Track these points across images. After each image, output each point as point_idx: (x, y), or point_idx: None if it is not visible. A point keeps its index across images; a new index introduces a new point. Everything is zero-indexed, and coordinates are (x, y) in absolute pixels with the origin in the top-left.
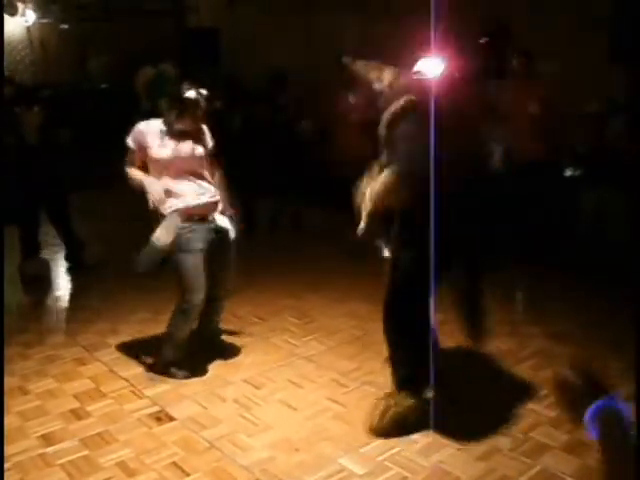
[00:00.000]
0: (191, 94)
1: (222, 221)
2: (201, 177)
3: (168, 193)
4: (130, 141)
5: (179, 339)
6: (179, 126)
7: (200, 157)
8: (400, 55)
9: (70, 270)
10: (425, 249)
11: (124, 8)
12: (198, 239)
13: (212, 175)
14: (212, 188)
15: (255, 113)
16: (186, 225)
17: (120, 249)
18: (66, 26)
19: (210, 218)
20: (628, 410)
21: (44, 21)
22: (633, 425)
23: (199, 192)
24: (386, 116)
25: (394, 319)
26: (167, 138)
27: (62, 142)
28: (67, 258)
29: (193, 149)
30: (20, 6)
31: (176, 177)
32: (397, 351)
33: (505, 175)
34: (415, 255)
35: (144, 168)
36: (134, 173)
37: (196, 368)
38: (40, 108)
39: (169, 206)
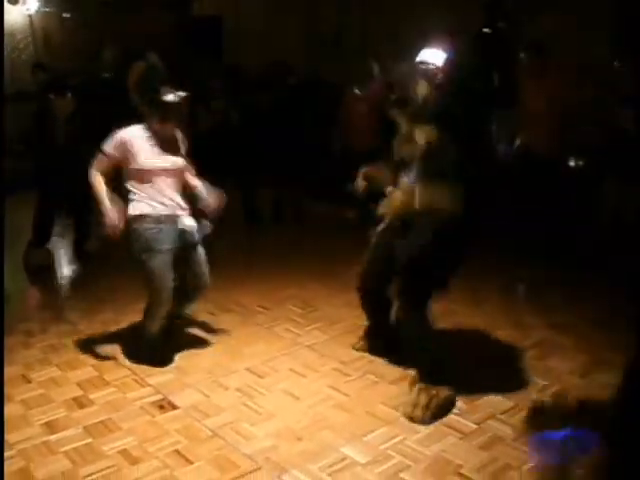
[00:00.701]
0: (170, 97)
1: (188, 221)
2: (176, 187)
3: (140, 197)
4: (109, 148)
5: (151, 334)
6: (161, 131)
7: (180, 169)
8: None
9: (74, 259)
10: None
11: None
12: (164, 240)
13: (187, 184)
14: (181, 201)
15: (256, 103)
16: (152, 226)
17: (124, 239)
18: (68, 15)
19: (176, 220)
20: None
21: (46, 10)
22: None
23: (168, 201)
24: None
25: (419, 313)
26: (154, 148)
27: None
28: (72, 247)
29: (175, 161)
30: None
31: (152, 185)
32: (426, 342)
33: (518, 171)
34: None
35: (109, 174)
36: (99, 185)
37: (197, 356)
38: (72, 95)
39: (138, 209)
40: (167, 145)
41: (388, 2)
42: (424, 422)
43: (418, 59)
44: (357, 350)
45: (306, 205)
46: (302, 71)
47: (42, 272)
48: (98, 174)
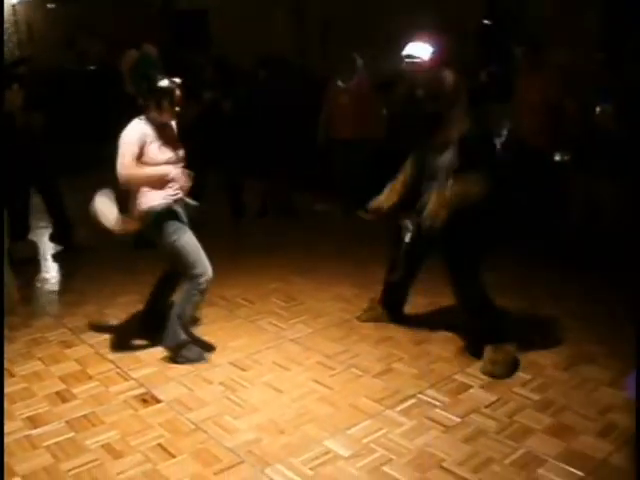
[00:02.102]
0: (164, 83)
1: (191, 200)
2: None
3: (154, 189)
4: (130, 142)
5: (188, 318)
6: (160, 118)
7: (182, 158)
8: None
9: (57, 252)
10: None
11: None
12: (182, 216)
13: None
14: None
15: (245, 96)
16: (170, 208)
17: (107, 232)
18: (53, 6)
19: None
20: None
21: (30, 0)
22: None
23: (177, 190)
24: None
25: (473, 282)
26: (162, 140)
27: (35, 124)
28: (55, 240)
29: (179, 151)
30: None
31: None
32: (486, 308)
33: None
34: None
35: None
36: (139, 170)
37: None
38: (19, 86)
39: (154, 200)
40: (171, 135)
41: None
42: (506, 376)
43: (404, 53)
44: (363, 321)
45: (292, 198)
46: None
47: (26, 265)
48: (133, 167)
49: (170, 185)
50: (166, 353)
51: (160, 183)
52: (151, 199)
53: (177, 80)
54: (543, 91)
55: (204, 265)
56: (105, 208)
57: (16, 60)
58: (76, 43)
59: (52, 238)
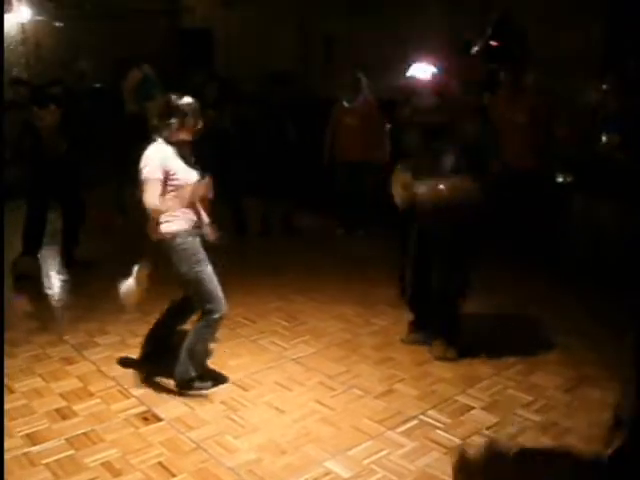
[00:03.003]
0: (187, 101)
1: (208, 230)
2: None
3: (176, 213)
4: (156, 173)
5: (202, 353)
6: (180, 136)
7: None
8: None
9: (62, 268)
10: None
11: (119, 7)
12: (200, 248)
13: None
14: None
15: (248, 115)
16: (192, 238)
17: (111, 249)
18: (61, 24)
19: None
20: None
21: (39, 19)
22: None
23: (196, 213)
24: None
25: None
26: (183, 162)
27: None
28: (60, 256)
29: (197, 173)
30: (15, 3)
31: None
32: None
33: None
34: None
35: None
36: (167, 203)
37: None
38: (56, 106)
39: (178, 225)
40: (189, 157)
41: (378, 14)
42: (454, 359)
43: (408, 74)
44: (407, 343)
45: (295, 217)
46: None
47: (29, 279)
48: (159, 199)
49: (192, 207)
50: (169, 372)
51: (184, 204)
52: (175, 224)
53: (193, 99)
54: (527, 112)
55: (220, 301)
56: (129, 294)
57: (51, 81)
58: (75, 63)
59: (60, 254)
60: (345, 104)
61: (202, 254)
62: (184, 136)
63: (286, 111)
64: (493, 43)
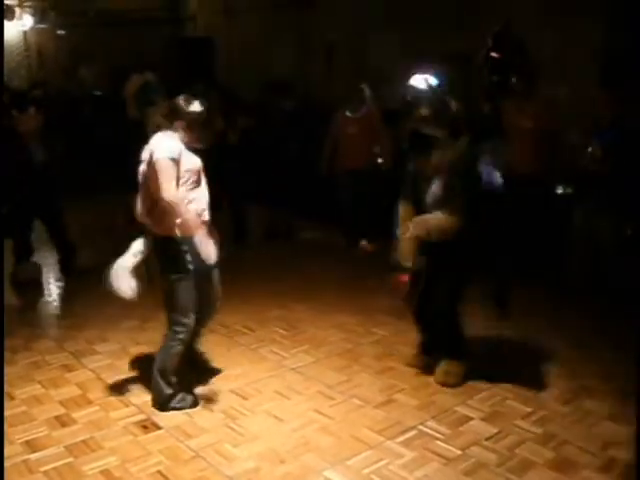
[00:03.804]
0: (196, 106)
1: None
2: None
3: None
4: (173, 166)
5: (173, 369)
6: (188, 142)
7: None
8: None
9: (60, 276)
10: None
11: (121, 15)
12: (189, 260)
13: None
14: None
15: (250, 124)
16: (183, 245)
17: (110, 256)
18: (63, 32)
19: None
20: None
21: (41, 26)
22: None
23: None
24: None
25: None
26: (185, 149)
27: (58, 151)
28: (58, 263)
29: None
30: (17, 11)
31: (194, 186)
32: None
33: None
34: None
35: None
36: (184, 208)
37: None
38: (35, 110)
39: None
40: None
41: (380, 24)
42: (456, 385)
43: (409, 84)
44: (412, 367)
45: (295, 227)
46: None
47: (28, 287)
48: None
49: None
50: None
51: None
52: (189, 229)
53: (203, 103)
54: (535, 119)
55: (189, 317)
56: (122, 282)
57: (32, 84)
58: (76, 70)
59: (57, 262)
60: (348, 114)
61: (187, 264)
62: (192, 142)
63: (286, 120)
64: (494, 55)
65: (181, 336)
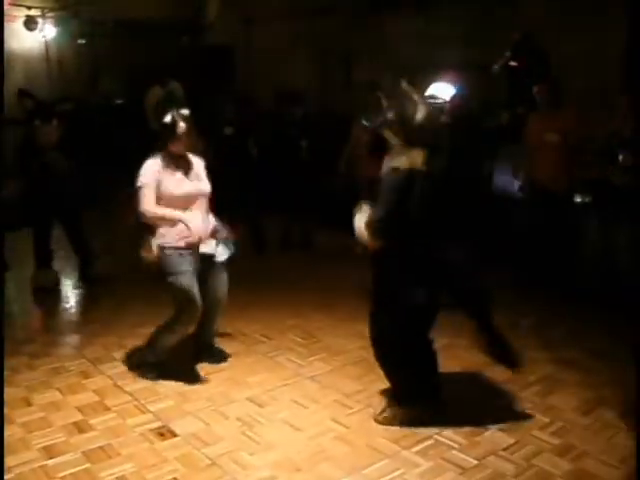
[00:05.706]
0: (168, 118)
1: (208, 247)
2: (201, 213)
3: (166, 226)
4: (147, 179)
5: (162, 348)
6: (172, 151)
7: (204, 194)
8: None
9: (80, 282)
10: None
11: (141, 25)
12: (185, 262)
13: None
14: (204, 226)
15: (268, 134)
16: (174, 251)
17: (130, 263)
18: (83, 41)
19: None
20: None
21: (62, 36)
22: None
23: (202, 221)
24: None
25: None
26: (177, 175)
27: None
28: (79, 270)
29: (198, 187)
30: (40, 21)
31: (184, 209)
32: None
33: (525, 204)
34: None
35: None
36: (158, 210)
37: (199, 383)
38: (58, 122)
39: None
40: (189, 168)
41: (397, 33)
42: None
43: (427, 93)
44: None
45: (314, 235)
46: (313, 102)
47: (48, 293)
48: (150, 205)
49: (183, 229)
50: (185, 387)
51: (174, 223)
52: (164, 237)
53: (185, 112)
54: (563, 133)
55: (185, 312)
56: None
57: (62, 97)
58: (97, 79)
59: (78, 269)
60: (364, 123)
61: (185, 267)
62: (175, 149)
63: (300, 130)
64: (513, 63)
65: (177, 328)
